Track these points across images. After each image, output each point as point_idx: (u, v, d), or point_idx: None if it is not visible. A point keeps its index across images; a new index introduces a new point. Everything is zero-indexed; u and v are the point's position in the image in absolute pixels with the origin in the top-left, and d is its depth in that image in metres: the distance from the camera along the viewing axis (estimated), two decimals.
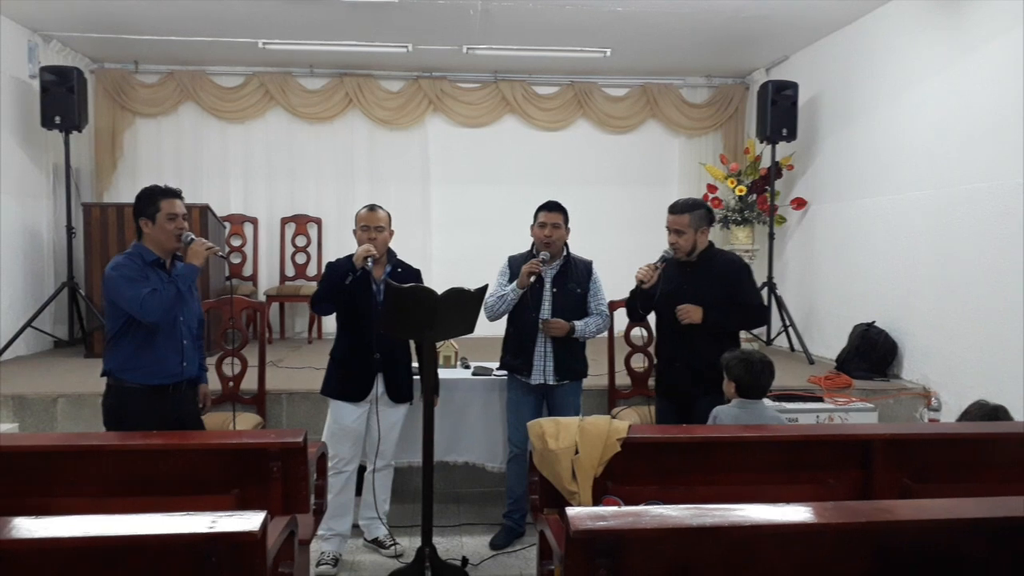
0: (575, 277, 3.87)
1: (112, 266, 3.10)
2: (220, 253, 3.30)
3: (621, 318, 4.51)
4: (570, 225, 3.88)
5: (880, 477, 2.70)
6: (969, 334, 4.53)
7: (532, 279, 3.72)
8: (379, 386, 3.65)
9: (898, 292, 5.19)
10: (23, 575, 1.83)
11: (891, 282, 5.27)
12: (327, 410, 3.79)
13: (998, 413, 2.98)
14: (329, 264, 3.70)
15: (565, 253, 3.89)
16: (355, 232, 3.69)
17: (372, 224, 3.61)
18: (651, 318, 3.90)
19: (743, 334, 6.18)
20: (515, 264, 3.90)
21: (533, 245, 3.90)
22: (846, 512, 2.01)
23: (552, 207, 3.83)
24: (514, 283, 3.76)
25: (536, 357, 3.81)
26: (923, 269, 4.95)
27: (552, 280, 3.84)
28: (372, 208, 3.67)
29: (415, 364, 3.79)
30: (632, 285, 3.72)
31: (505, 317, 3.90)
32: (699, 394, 3.49)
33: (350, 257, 3.64)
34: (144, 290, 3.02)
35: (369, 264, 3.51)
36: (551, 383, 3.82)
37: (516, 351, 3.87)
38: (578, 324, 3.81)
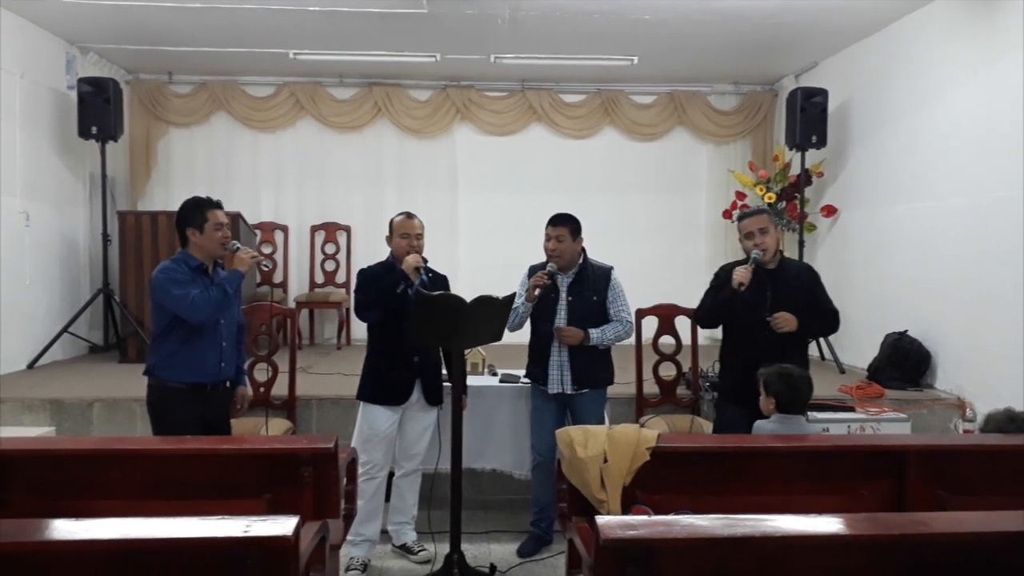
0: (592, 285, 3.84)
1: (160, 270, 3.27)
2: (264, 263, 3.51)
3: (649, 325, 4.50)
4: (585, 234, 3.85)
5: (914, 489, 2.66)
6: (1004, 343, 4.44)
7: (538, 292, 3.72)
8: (416, 391, 3.69)
9: (931, 300, 5.11)
10: None
11: (924, 290, 5.19)
12: (356, 415, 3.81)
13: (1013, 417, 2.92)
14: (362, 271, 3.72)
15: (581, 261, 3.88)
16: (388, 240, 3.73)
17: (412, 232, 3.67)
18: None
19: None
20: (534, 273, 3.89)
21: (547, 256, 3.92)
22: (880, 524, 1.98)
23: (556, 221, 3.82)
24: (522, 294, 3.77)
25: (552, 367, 3.81)
26: (956, 277, 4.87)
27: (568, 289, 3.83)
28: (409, 216, 3.72)
29: (444, 371, 3.81)
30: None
31: (529, 326, 3.91)
32: None
33: (384, 264, 3.69)
34: (193, 290, 3.20)
35: (422, 274, 3.55)
36: (569, 392, 3.81)
37: (535, 360, 3.89)
38: (593, 332, 3.77)
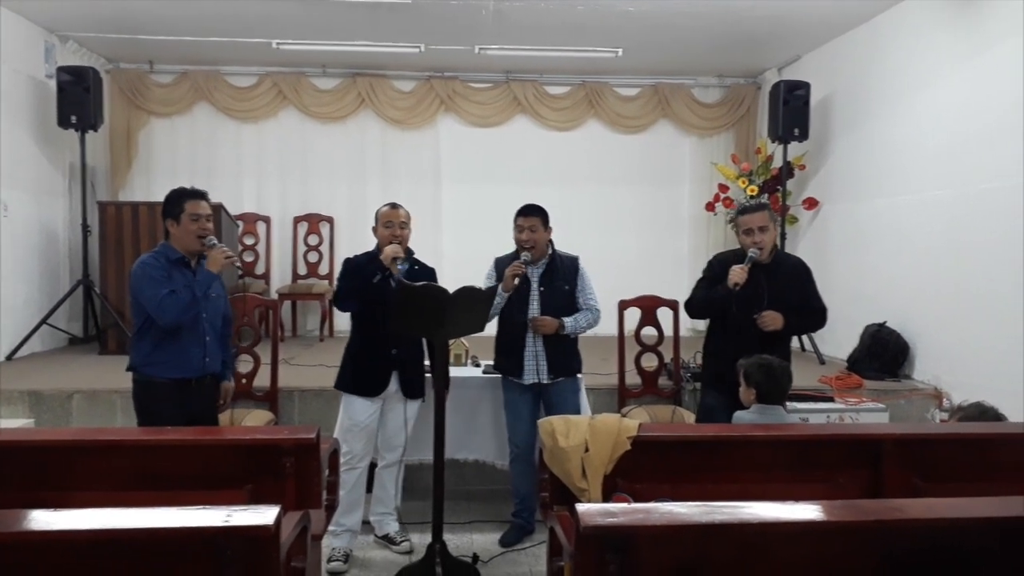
0: (562, 275, 3.88)
1: (138, 264, 3.21)
2: (238, 264, 3.38)
3: (632, 316, 4.53)
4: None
5: (890, 477, 2.69)
6: (981, 335, 4.51)
7: (517, 281, 3.74)
8: (394, 383, 3.68)
9: (909, 292, 5.17)
10: (41, 567, 1.86)
11: (902, 282, 5.25)
12: (339, 406, 3.81)
13: (985, 413, 2.98)
14: (347, 261, 3.72)
15: (550, 251, 3.90)
16: (374, 229, 3.73)
17: (396, 221, 3.66)
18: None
19: None
20: (502, 265, 3.90)
21: (517, 248, 3.94)
22: (856, 510, 2.01)
23: (528, 211, 3.83)
24: (499, 286, 3.76)
25: (527, 357, 3.83)
26: (934, 269, 4.93)
27: (539, 279, 3.85)
28: (395, 206, 3.72)
29: (427, 362, 3.81)
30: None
31: (496, 319, 3.91)
32: None
33: (369, 255, 3.68)
34: (163, 291, 3.12)
35: (398, 265, 3.54)
36: (545, 382, 3.84)
37: (506, 352, 3.89)
38: (567, 320, 3.81)
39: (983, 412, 2.98)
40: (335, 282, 3.98)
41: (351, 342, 3.77)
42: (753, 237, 3.56)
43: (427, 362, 3.80)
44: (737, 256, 3.64)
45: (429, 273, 3.75)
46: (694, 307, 3.80)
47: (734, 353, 3.43)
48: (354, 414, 3.68)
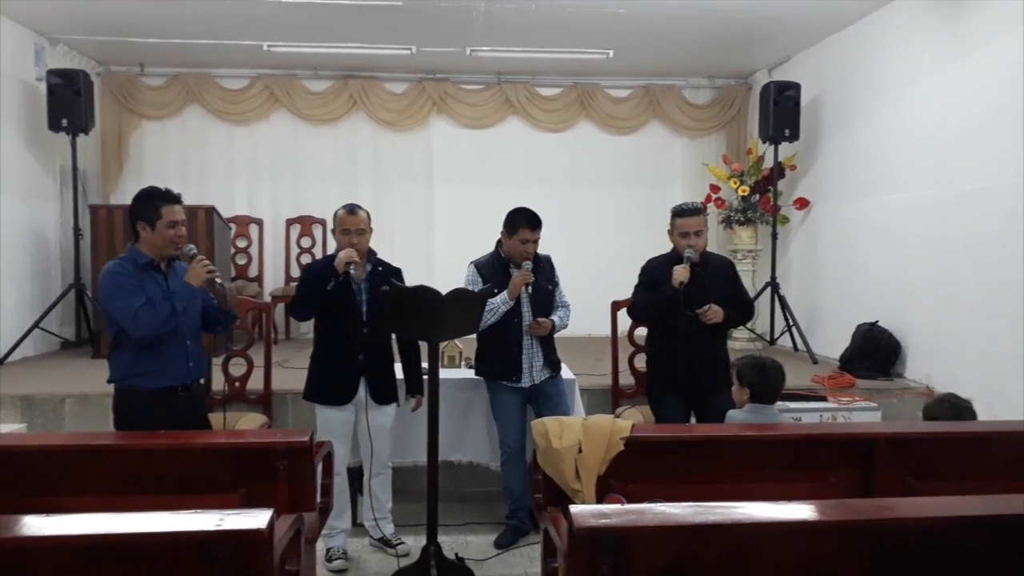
0: (545, 275, 3.94)
1: (105, 272, 3.01)
2: (219, 281, 3.10)
3: (625, 317, 4.53)
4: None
5: (882, 475, 2.71)
6: (971, 333, 4.53)
7: (530, 290, 3.79)
8: (363, 389, 3.60)
9: (901, 291, 5.20)
10: (34, 573, 1.85)
11: (894, 281, 5.28)
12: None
13: (962, 412, 3.02)
14: (307, 267, 3.63)
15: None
16: (334, 233, 3.62)
17: (353, 227, 3.52)
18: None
19: (746, 333, 6.25)
20: (484, 270, 3.89)
21: (498, 248, 3.94)
22: (848, 510, 2.02)
23: (537, 225, 3.83)
24: (503, 294, 3.76)
25: (524, 360, 3.85)
26: (925, 268, 4.95)
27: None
28: (352, 210, 3.56)
29: (397, 364, 3.81)
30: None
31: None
32: (716, 388, 3.61)
33: (328, 260, 3.57)
34: (137, 303, 2.92)
35: (352, 270, 3.46)
36: (539, 381, 3.89)
37: (500, 357, 3.87)
38: (556, 320, 3.91)
39: (950, 407, 3.02)
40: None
41: (315, 351, 3.68)
42: (688, 240, 3.73)
43: (398, 364, 3.80)
44: (669, 259, 3.80)
45: (395, 273, 3.65)
46: (639, 311, 3.98)
47: (682, 350, 3.68)
48: (327, 424, 3.60)
